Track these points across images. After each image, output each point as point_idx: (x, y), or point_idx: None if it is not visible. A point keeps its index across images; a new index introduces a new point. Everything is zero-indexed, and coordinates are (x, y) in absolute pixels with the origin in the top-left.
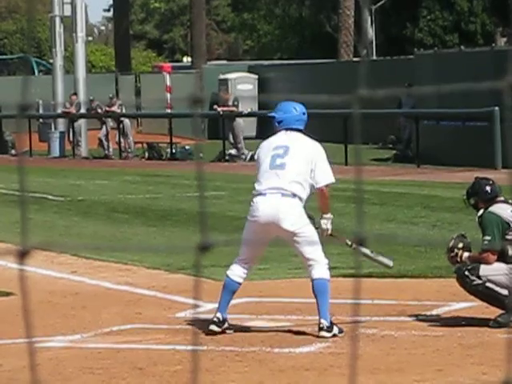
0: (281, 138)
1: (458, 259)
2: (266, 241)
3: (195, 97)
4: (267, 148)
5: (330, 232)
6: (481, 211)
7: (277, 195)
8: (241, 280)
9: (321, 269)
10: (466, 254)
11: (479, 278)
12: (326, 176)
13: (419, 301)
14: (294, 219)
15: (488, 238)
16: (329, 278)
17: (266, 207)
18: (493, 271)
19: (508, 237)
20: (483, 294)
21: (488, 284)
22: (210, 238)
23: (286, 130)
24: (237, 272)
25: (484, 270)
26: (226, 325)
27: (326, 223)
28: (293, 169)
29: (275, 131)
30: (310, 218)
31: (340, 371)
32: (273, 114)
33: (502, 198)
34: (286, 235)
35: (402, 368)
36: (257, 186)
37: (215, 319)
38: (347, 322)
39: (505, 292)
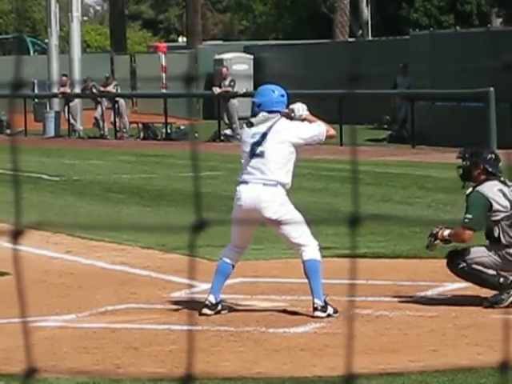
0: (260, 123)
1: (439, 236)
2: (252, 227)
3: (189, 75)
4: (247, 134)
5: (304, 113)
6: (469, 189)
7: (258, 185)
8: (233, 263)
9: (311, 250)
10: (446, 232)
11: (465, 261)
12: (316, 132)
13: (414, 281)
14: (276, 207)
15: (469, 216)
16: (320, 258)
17: (248, 196)
18: (477, 253)
19: (494, 218)
20: (471, 276)
21: (474, 266)
22: (205, 217)
23: (266, 112)
24: (229, 255)
25: (469, 252)
26: (218, 307)
27: (301, 112)
28: (274, 155)
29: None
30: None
31: (335, 351)
32: (253, 99)
33: (496, 177)
34: (270, 223)
35: (396, 348)
36: (241, 174)
37: (207, 302)
38: (342, 302)
39: (492, 272)
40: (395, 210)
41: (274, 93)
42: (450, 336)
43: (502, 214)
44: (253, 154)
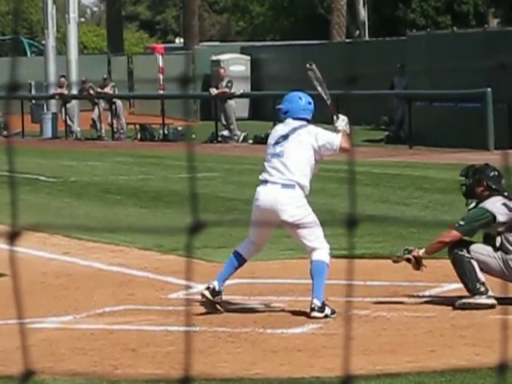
0: (284, 126)
1: (416, 255)
2: (270, 225)
3: (185, 77)
4: (272, 136)
5: (341, 126)
6: (472, 204)
7: (277, 185)
8: (246, 257)
9: (322, 252)
10: (422, 250)
11: (468, 251)
12: (334, 140)
13: (411, 282)
14: (293, 210)
15: (462, 222)
16: (328, 261)
17: (265, 197)
18: (483, 250)
19: (499, 229)
20: (463, 267)
21: (473, 261)
22: (201, 219)
23: (293, 119)
24: (244, 249)
25: (475, 247)
26: (218, 297)
27: (340, 123)
28: (292, 156)
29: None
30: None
31: (332, 352)
32: (279, 106)
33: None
34: (287, 225)
35: (394, 349)
36: (262, 173)
37: (211, 286)
38: (340, 303)
39: (482, 278)
40: (393, 211)
41: (302, 100)
42: (447, 337)
43: (505, 227)
44: (273, 154)
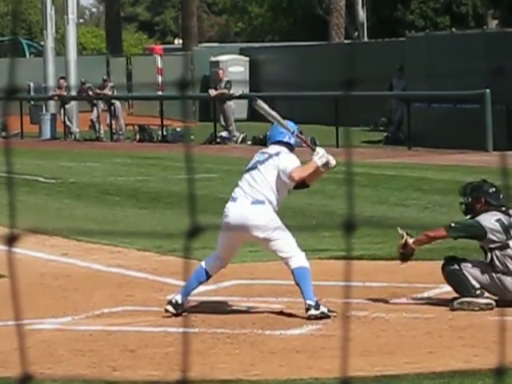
0: (261, 153)
1: (408, 247)
2: (238, 244)
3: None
4: (251, 162)
5: (329, 163)
6: (468, 217)
7: (246, 201)
8: (211, 273)
9: (298, 259)
10: (412, 240)
11: (459, 265)
12: (287, 168)
13: (410, 283)
14: (263, 226)
15: (453, 225)
16: (307, 265)
17: (235, 214)
18: (474, 266)
19: (489, 245)
20: (455, 278)
21: (465, 272)
22: (200, 221)
23: (273, 144)
24: (210, 264)
25: (467, 262)
26: (182, 308)
27: (319, 157)
28: (261, 174)
29: None
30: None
31: (331, 353)
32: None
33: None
34: (259, 241)
35: (392, 350)
36: (234, 190)
37: (173, 301)
38: (338, 304)
39: (477, 284)
40: (391, 212)
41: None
42: (446, 338)
43: (497, 244)
44: (246, 173)
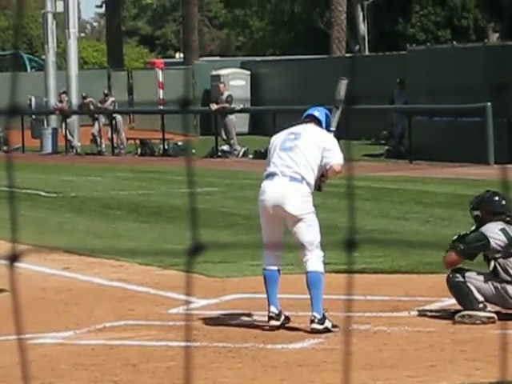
0: (296, 127)
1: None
2: (278, 221)
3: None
4: (282, 134)
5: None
6: (473, 228)
7: (285, 178)
8: (278, 267)
9: (316, 261)
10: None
11: (463, 276)
12: (337, 157)
13: (412, 296)
14: (300, 204)
15: (461, 246)
16: (323, 271)
17: (272, 191)
18: (478, 277)
19: (492, 255)
20: (459, 290)
21: (469, 284)
22: (201, 237)
23: (303, 120)
24: (269, 261)
25: (471, 273)
26: (282, 317)
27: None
28: (303, 152)
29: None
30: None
31: (333, 367)
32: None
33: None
34: (290, 218)
35: (394, 364)
36: (266, 168)
37: (271, 314)
38: (340, 317)
39: (481, 298)
40: (393, 226)
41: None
42: (448, 351)
43: (500, 253)
44: (283, 148)
